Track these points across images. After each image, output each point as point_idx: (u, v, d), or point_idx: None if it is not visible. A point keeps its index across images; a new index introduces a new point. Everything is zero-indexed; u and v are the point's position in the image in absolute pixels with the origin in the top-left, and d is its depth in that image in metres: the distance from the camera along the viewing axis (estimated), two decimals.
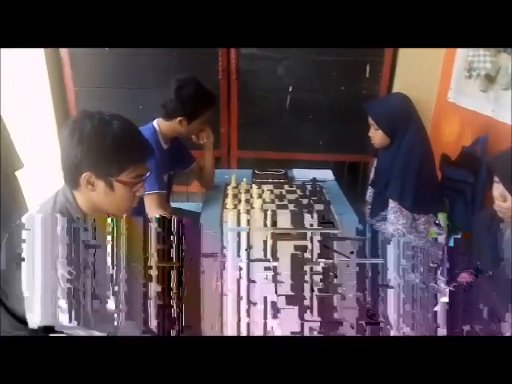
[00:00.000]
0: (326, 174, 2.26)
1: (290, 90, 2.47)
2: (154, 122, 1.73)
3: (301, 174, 2.22)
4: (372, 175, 2.00)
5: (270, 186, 2.06)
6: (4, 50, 2.11)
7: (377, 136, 1.72)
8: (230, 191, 1.91)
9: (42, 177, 2.28)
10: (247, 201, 1.86)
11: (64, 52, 2.28)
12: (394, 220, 1.72)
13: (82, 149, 0.91)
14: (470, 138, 1.93)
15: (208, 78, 2.35)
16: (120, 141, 0.93)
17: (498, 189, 1.10)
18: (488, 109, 1.85)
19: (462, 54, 2.09)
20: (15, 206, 1.39)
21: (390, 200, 1.73)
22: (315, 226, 1.68)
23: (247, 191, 1.99)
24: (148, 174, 1.04)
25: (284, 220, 1.72)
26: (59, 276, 0.85)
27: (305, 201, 1.89)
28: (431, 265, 1.67)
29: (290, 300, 0.92)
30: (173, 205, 2.07)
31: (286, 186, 2.08)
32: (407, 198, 1.66)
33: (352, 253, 1.35)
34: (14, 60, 2.19)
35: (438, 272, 1.56)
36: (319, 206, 1.82)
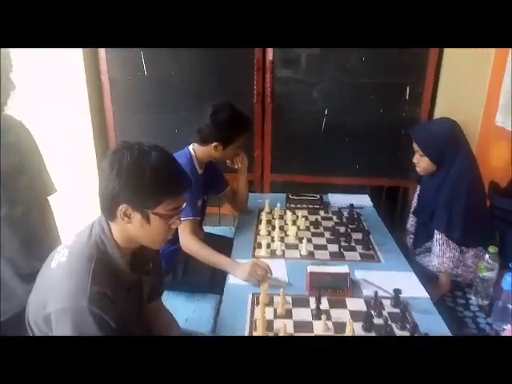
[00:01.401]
0: (363, 200, 2.17)
1: (326, 113, 2.42)
2: (190, 147, 1.72)
3: (337, 200, 2.14)
4: (414, 203, 1.90)
5: (305, 212, 2.00)
6: (45, 66, 2.19)
7: (422, 163, 1.63)
8: (263, 217, 1.87)
9: (75, 204, 2.32)
10: (281, 227, 1.80)
11: (104, 76, 2.35)
12: (440, 253, 1.61)
13: (120, 181, 0.89)
14: None
15: (243, 101, 2.35)
16: (158, 173, 0.90)
17: None
18: None
19: (511, 75, 1.97)
20: (46, 233, 1.39)
21: (436, 231, 1.62)
22: (354, 257, 1.59)
23: (281, 217, 1.93)
24: (184, 205, 1.01)
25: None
26: None
27: (342, 228, 1.80)
28: (481, 303, 1.54)
29: None
30: (205, 229, 2.05)
31: (322, 212, 2.01)
32: (455, 230, 1.54)
33: (397, 289, 1.27)
34: (53, 76, 2.26)
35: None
36: (357, 235, 1.74)
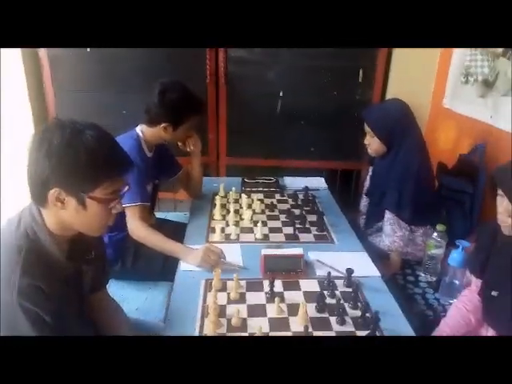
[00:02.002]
0: (319, 182, 2.18)
1: (281, 95, 2.38)
2: (138, 129, 1.62)
3: (292, 183, 2.13)
4: (367, 184, 1.92)
5: (261, 196, 1.97)
6: None
7: (373, 144, 1.64)
8: (217, 201, 1.81)
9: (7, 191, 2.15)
10: (236, 211, 1.76)
11: (43, 53, 2.16)
12: (391, 232, 1.64)
13: (51, 163, 0.80)
14: (468, 146, 1.86)
15: (196, 82, 2.26)
16: (94, 154, 0.82)
17: (502, 203, 1.03)
18: (486, 115, 1.78)
19: (457, 59, 2.03)
20: None
21: (387, 211, 1.65)
22: (308, 239, 1.59)
23: (236, 201, 1.89)
24: (126, 188, 0.93)
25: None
26: None
27: (297, 211, 1.79)
28: (429, 279, 1.60)
29: None
30: (158, 215, 1.97)
31: (278, 196, 1.99)
32: (405, 210, 1.58)
33: (349, 269, 1.27)
34: None
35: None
36: (312, 217, 1.73)
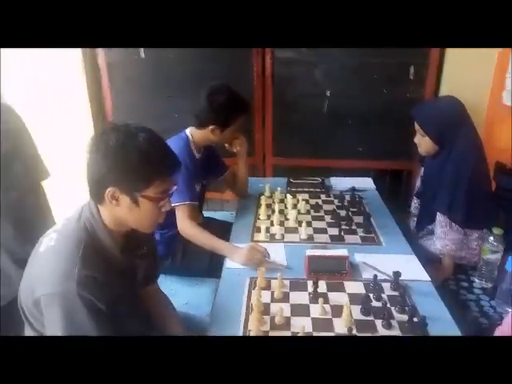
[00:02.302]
0: (366, 183, 2.14)
1: (328, 94, 2.36)
2: (187, 131, 1.69)
3: (339, 183, 2.11)
4: (418, 185, 1.85)
5: (306, 196, 1.97)
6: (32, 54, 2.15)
7: (424, 143, 1.58)
8: (263, 201, 1.84)
9: (70, 188, 2.31)
10: (281, 211, 1.78)
11: (101, 60, 2.32)
12: (442, 235, 1.57)
13: (107, 163, 0.87)
14: None
15: (243, 83, 2.31)
16: (146, 155, 0.88)
17: None
18: None
19: None
20: (41, 218, 1.38)
21: (438, 213, 1.58)
22: (354, 240, 1.56)
23: (281, 201, 1.91)
24: (174, 188, 0.98)
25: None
26: None
27: (342, 212, 1.77)
28: (485, 285, 1.51)
29: None
30: (206, 214, 2.03)
31: (323, 196, 1.98)
32: (457, 212, 1.50)
33: (397, 272, 1.24)
34: (50, 68, 2.24)
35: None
36: (359, 219, 1.71)
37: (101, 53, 2.31)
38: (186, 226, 1.54)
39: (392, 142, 2.38)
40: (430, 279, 1.32)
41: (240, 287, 1.28)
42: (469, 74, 2.15)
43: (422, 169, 1.80)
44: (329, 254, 1.37)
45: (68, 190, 2.23)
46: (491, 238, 1.47)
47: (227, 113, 1.61)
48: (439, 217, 1.58)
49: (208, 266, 1.62)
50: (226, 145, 1.77)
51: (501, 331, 1.17)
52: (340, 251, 1.38)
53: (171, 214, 1.55)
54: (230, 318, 1.14)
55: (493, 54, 2.09)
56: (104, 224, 0.94)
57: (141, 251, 1.05)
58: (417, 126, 1.58)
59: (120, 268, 0.97)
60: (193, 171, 1.61)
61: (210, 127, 1.62)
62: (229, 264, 1.42)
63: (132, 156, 0.87)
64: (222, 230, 1.66)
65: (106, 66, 2.33)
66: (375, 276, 1.26)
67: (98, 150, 0.88)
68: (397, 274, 1.24)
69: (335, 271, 1.33)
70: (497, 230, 1.46)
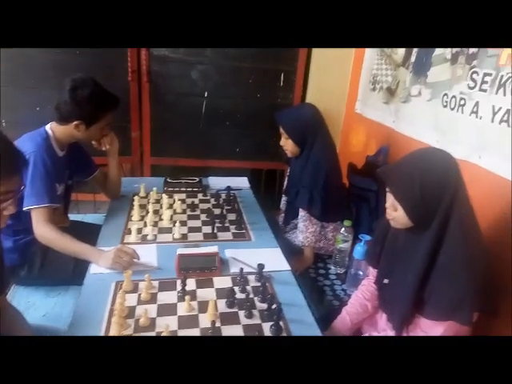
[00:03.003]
0: (242, 182, 2.23)
1: (206, 95, 2.41)
2: (47, 127, 1.54)
3: (216, 182, 2.16)
4: (285, 183, 2.01)
5: (183, 196, 1.97)
6: None
7: (288, 145, 1.72)
8: (136, 201, 1.78)
9: None
10: (156, 212, 1.75)
11: None
12: (304, 228, 1.74)
13: None
14: (375, 148, 2.03)
15: (117, 79, 2.21)
16: None
17: (389, 199, 1.14)
18: (389, 120, 1.96)
19: (367, 67, 2.20)
20: None
21: (300, 209, 1.74)
22: (226, 237, 1.62)
23: (157, 201, 1.88)
24: (22, 188, 0.89)
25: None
26: None
27: (217, 210, 1.83)
28: (339, 271, 1.72)
29: None
30: (77, 217, 1.89)
31: (200, 195, 2.00)
32: (315, 207, 1.68)
33: (260, 265, 1.33)
34: None
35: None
36: (232, 216, 1.78)
37: None
38: (43, 231, 1.40)
39: (266, 143, 2.54)
40: (290, 269, 1.44)
41: (104, 292, 1.22)
42: (330, 83, 2.41)
43: (288, 169, 1.97)
44: (199, 251, 1.40)
45: None
46: (343, 229, 1.68)
47: (93, 108, 1.52)
48: (301, 212, 1.74)
49: (72, 273, 1.51)
50: (94, 142, 1.67)
51: (346, 309, 1.35)
52: (210, 248, 1.42)
53: (27, 218, 1.41)
54: (91, 325, 1.08)
55: (348, 66, 2.39)
56: None
57: None
58: (281, 130, 1.72)
59: None
60: (52, 170, 1.47)
61: (74, 123, 1.51)
62: (94, 269, 1.34)
63: None
64: (91, 234, 1.56)
65: None
66: (241, 269, 1.33)
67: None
68: (260, 266, 1.33)
69: (205, 268, 1.36)
70: (347, 222, 1.67)
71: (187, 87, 2.39)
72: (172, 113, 2.42)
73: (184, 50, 2.33)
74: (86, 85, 1.50)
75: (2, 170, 0.84)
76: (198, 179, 2.14)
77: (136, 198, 1.84)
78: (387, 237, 1.27)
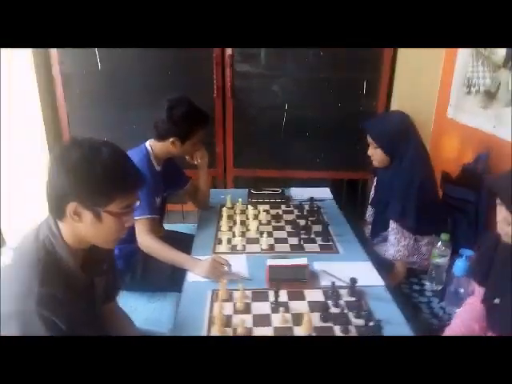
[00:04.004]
0: (324, 193, 2.21)
1: (286, 107, 2.43)
2: (147, 144, 1.68)
3: (298, 193, 2.16)
4: (372, 194, 1.95)
5: (267, 207, 2.01)
6: None
7: (376, 155, 1.67)
8: (224, 212, 1.85)
9: (27, 204, 2.22)
10: (243, 222, 1.80)
11: (56, 71, 2.25)
12: (395, 242, 1.66)
13: (70, 178, 0.85)
14: (471, 155, 1.88)
15: (203, 96, 2.32)
16: (110, 170, 0.87)
17: (501, 212, 1.04)
18: (489, 125, 1.80)
19: (460, 70, 2.06)
20: None
21: (391, 221, 1.67)
22: (313, 249, 1.61)
23: (243, 212, 1.93)
24: (138, 203, 0.98)
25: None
26: None
27: (302, 221, 1.82)
28: (435, 288, 1.60)
29: None
30: (167, 227, 2.01)
31: (283, 206, 2.02)
32: (408, 219, 1.59)
33: (353, 279, 1.29)
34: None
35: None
36: (317, 228, 1.76)
37: (55, 63, 2.24)
38: (145, 240, 1.52)
39: (347, 153, 2.49)
40: (384, 284, 1.38)
41: (202, 300, 1.28)
42: (417, 88, 2.30)
43: (375, 179, 1.90)
44: (289, 263, 1.41)
45: (18, 205, 2.14)
46: (439, 243, 1.57)
47: (187, 125, 1.62)
48: (392, 224, 1.67)
49: (169, 280, 1.60)
50: (187, 157, 1.77)
51: (450, 330, 1.25)
52: (300, 260, 1.41)
53: (130, 228, 1.53)
54: (192, 331, 1.14)
55: (438, 69, 2.26)
56: (64, 241, 0.91)
57: (101, 268, 1.03)
58: (369, 139, 1.67)
59: (80, 286, 0.94)
60: (153, 184, 1.59)
61: (171, 139, 1.62)
62: (191, 277, 1.41)
63: (96, 171, 0.86)
64: (184, 243, 1.65)
65: (61, 77, 2.27)
66: (333, 283, 1.31)
67: (60, 164, 0.86)
68: (353, 280, 1.30)
69: (295, 279, 1.37)
70: (444, 236, 1.56)
71: (268, 100, 2.44)
72: (254, 126, 2.49)
73: (265, 64, 2.39)
74: (181, 104, 1.61)
75: (126, 186, 0.93)
76: (280, 190, 2.16)
77: (224, 209, 1.91)
78: (497, 252, 1.16)
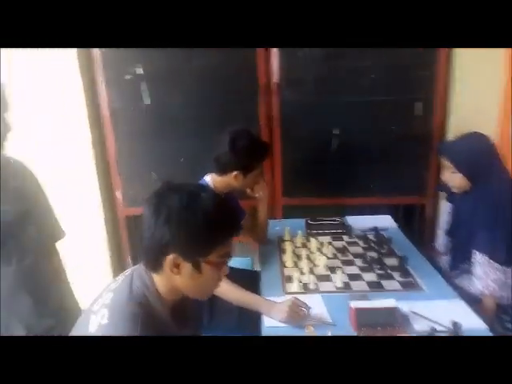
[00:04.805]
0: (386, 221, 2.08)
1: (337, 133, 2.34)
2: (207, 178, 1.61)
3: (358, 222, 2.04)
4: (444, 222, 1.80)
5: (328, 238, 1.89)
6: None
7: (455, 180, 1.54)
8: (286, 246, 1.75)
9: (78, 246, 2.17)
10: (308, 257, 1.68)
11: (104, 108, 2.24)
12: (483, 275, 1.50)
13: (170, 228, 0.78)
14: None
15: (249, 125, 2.26)
16: (211, 217, 0.80)
17: None
18: None
19: None
20: (56, 283, 1.24)
21: (477, 252, 1.52)
22: (393, 287, 1.47)
23: (304, 245, 1.82)
24: (234, 249, 0.89)
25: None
26: None
27: (371, 254, 1.70)
28: None
29: None
30: None
31: (346, 238, 1.90)
32: (499, 251, 1.45)
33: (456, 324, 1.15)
34: (53, 112, 2.15)
35: None
36: (391, 261, 1.63)
37: (103, 101, 2.23)
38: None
39: (402, 177, 2.36)
40: (487, 327, 1.23)
41: None
42: (475, 107, 2.17)
43: (449, 205, 1.76)
44: (376, 305, 1.28)
45: (75, 249, 2.09)
46: None
47: (251, 157, 1.55)
48: (478, 256, 1.52)
49: (237, 323, 1.49)
50: (248, 190, 1.69)
51: None
52: (387, 301, 1.28)
53: None
54: None
55: (497, 87, 2.13)
56: (159, 294, 0.84)
57: (189, 320, 0.94)
58: (446, 164, 1.55)
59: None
60: None
61: (234, 173, 1.54)
62: (268, 322, 1.30)
63: (197, 219, 0.78)
64: (249, 281, 1.55)
65: (110, 114, 2.25)
66: (434, 329, 1.16)
67: (158, 213, 0.79)
68: (457, 326, 1.15)
69: (386, 324, 1.23)
70: None
71: (317, 127, 2.35)
72: (303, 153, 2.39)
73: (312, 90, 2.31)
74: (243, 136, 1.54)
75: (228, 232, 0.85)
76: (339, 220, 2.05)
77: (287, 243, 1.80)
78: None
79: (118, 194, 2.36)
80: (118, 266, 2.48)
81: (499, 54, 2.05)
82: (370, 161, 2.36)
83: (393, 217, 2.19)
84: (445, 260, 1.76)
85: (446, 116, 2.27)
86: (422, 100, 2.25)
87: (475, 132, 1.58)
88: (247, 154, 1.53)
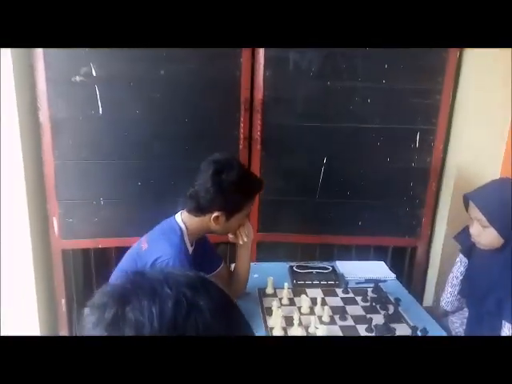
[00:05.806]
0: (379, 269, 1.81)
1: (325, 161, 2.04)
2: (178, 219, 1.22)
3: (349, 270, 1.76)
4: (455, 278, 1.54)
5: (319, 292, 1.57)
6: None
7: (487, 235, 1.27)
8: (272, 305, 1.38)
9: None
10: (300, 322, 1.33)
11: (44, 116, 1.77)
12: None
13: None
14: None
15: (226, 147, 1.90)
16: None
17: None
18: None
19: None
20: None
21: (506, 323, 1.25)
22: None
23: (292, 302, 1.48)
24: None
25: None
26: None
27: (376, 317, 1.38)
28: None
29: None
30: None
31: (341, 292, 1.58)
32: None
33: None
34: None
35: None
36: (401, 328, 1.32)
37: (43, 107, 1.76)
38: None
39: (395, 215, 2.10)
40: None
41: None
42: (479, 142, 1.98)
43: (464, 260, 1.50)
44: None
45: None
46: None
47: (239, 196, 1.18)
48: (508, 329, 1.25)
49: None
50: (230, 236, 1.32)
51: None
52: None
53: None
54: None
55: (505, 122, 1.95)
56: None
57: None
58: (477, 215, 1.28)
59: None
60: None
61: (214, 214, 1.17)
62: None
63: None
64: None
65: (51, 124, 1.78)
66: None
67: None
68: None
69: None
70: None
71: (302, 154, 2.04)
72: (284, 182, 2.07)
73: (299, 114, 2.00)
74: (231, 169, 1.18)
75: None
76: (330, 267, 1.74)
77: (272, 300, 1.44)
78: None
79: (54, 223, 1.87)
80: (47, 311, 1.98)
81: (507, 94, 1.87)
82: (361, 195, 2.08)
83: (383, 258, 1.94)
84: (452, 322, 1.49)
85: (446, 151, 2.06)
86: (421, 131, 2.02)
87: (503, 179, 1.35)
88: (235, 191, 1.17)
